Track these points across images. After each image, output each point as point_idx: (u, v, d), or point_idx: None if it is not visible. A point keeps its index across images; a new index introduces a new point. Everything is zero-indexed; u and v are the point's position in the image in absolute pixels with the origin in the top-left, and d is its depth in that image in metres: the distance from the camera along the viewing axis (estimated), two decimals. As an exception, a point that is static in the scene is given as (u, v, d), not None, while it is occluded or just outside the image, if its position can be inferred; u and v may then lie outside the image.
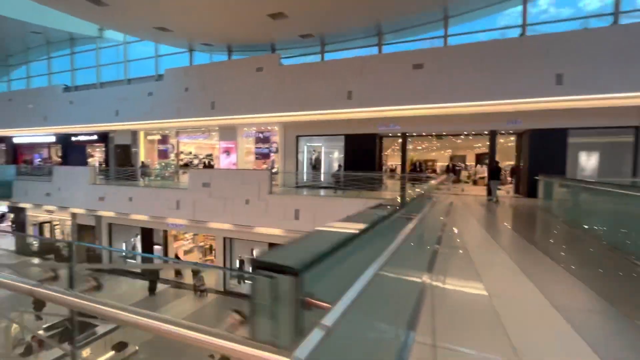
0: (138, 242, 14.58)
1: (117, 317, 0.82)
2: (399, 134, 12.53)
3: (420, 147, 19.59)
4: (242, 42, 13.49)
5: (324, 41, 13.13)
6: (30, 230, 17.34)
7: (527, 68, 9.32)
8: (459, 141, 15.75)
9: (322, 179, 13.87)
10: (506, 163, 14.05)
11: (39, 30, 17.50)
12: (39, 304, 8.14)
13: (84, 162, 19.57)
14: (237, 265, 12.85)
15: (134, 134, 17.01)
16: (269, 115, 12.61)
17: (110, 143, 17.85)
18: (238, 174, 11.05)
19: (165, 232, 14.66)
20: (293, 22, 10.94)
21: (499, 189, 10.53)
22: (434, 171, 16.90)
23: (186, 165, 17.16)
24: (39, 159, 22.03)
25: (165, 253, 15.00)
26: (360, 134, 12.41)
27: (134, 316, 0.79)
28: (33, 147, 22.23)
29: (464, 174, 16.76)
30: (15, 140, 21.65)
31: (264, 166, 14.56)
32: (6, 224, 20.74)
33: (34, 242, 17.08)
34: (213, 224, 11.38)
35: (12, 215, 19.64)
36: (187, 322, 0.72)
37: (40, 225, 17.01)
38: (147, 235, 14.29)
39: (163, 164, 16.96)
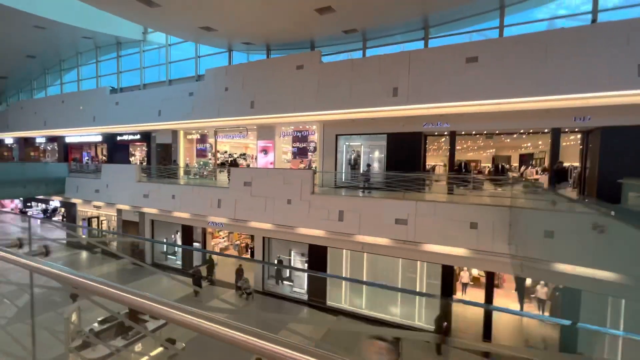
0: (179, 238, 14.92)
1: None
2: (445, 133, 11.82)
3: (459, 147, 18.58)
4: (281, 40, 13.37)
5: (366, 36, 12.69)
6: (80, 224, 18.36)
7: (601, 58, 8.34)
8: (508, 140, 14.69)
9: (362, 179, 13.47)
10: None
11: (89, 35, 18.47)
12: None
13: (126, 161, 20.48)
14: (275, 263, 12.72)
15: (175, 133, 17.49)
16: (309, 114, 12.37)
17: (152, 142, 18.49)
18: (280, 173, 10.88)
19: (203, 229, 14.90)
20: (339, 16, 10.61)
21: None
22: (480, 172, 15.90)
23: (222, 164, 17.38)
24: (87, 157, 23.39)
25: (204, 248, 15.21)
26: (403, 132, 11.84)
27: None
28: (81, 146, 23.64)
29: (513, 175, 15.64)
30: (67, 140, 23.09)
31: (302, 165, 14.37)
32: (58, 218, 22.21)
33: (84, 236, 18.06)
34: (253, 223, 11.31)
35: (63, 210, 20.97)
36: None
37: (89, 220, 17.95)
38: (188, 233, 14.59)
39: (201, 162, 17.28)
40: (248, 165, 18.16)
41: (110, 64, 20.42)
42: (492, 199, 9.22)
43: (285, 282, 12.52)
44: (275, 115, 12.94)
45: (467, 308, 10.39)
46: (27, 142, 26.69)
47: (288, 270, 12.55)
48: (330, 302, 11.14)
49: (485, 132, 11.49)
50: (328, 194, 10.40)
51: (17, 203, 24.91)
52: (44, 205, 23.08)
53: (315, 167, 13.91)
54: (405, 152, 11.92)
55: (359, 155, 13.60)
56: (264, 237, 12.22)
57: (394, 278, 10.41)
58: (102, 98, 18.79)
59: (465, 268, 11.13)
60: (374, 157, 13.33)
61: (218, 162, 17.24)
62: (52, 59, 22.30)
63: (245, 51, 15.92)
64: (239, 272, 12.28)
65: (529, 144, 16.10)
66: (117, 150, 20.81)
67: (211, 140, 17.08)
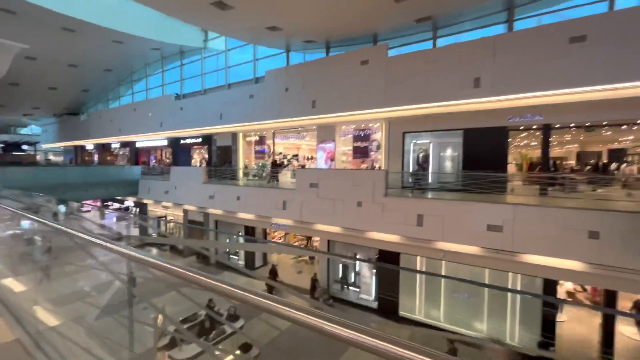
0: (241, 239, 15.19)
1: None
2: (534, 127, 10.38)
3: (535, 143, 16.51)
4: (344, 35, 12.88)
5: (437, 25, 11.68)
6: (150, 223, 19.71)
7: None
8: (607, 133, 12.60)
9: (429, 179, 12.47)
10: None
11: (157, 47, 19.77)
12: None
13: (188, 163, 21.61)
14: (340, 271, 12.25)
15: (234, 135, 17.94)
16: (374, 111, 11.71)
17: (213, 145, 19.21)
18: (349, 174, 10.38)
19: (264, 230, 14.98)
20: (415, 3, 9.82)
21: None
22: (573, 170, 13.88)
23: (279, 165, 17.42)
24: (153, 161, 25.21)
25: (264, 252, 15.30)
26: (484, 127, 10.64)
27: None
28: (149, 150, 25.55)
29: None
30: (137, 145, 25.11)
31: (363, 166, 13.75)
32: (130, 216, 24.21)
33: (153, 234, 19.36)
34: (320, 226, 10.96)
35: (135, 209, 22.77)
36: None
37: (158, 219, 19.18)
38: (250, 233, 14.77)
39: (260, 164, 17.49)
40: (303, 167, 18.03)
41: (174, 73, 21.71)
42: (602, 203, 7.75)
43: (351, 287, 11.99)
44: (338, 114, 12.48)
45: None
46: (104, 148, 29.64)
47: (354, 276, 12.01)
48: (402, 312, 10.37)
49: (587, 123, 9.85)
50: (402, 195, 9.64)
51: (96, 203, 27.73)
52: (118, 205, 25.35)
53: (379, 167, 13.21)
54: (485, 149, 10.70)
55: (427, 154, 12.60)
56: (328, 241, 11.81)
57: (479, 291, 9.31)
58: (168, 104, 19.99)
59: (560, 282, 9.63)
60: (446, 156, 12.24)
61: (276, 163, 17.31)
62: (125, 71, 24.39)
63: (302, 51, 15.73)
64: (314, 282, 11.83)
65: (622, 138, 13.72)
66: (180, 153, 22.07)
67: (269, 141, 17.21)
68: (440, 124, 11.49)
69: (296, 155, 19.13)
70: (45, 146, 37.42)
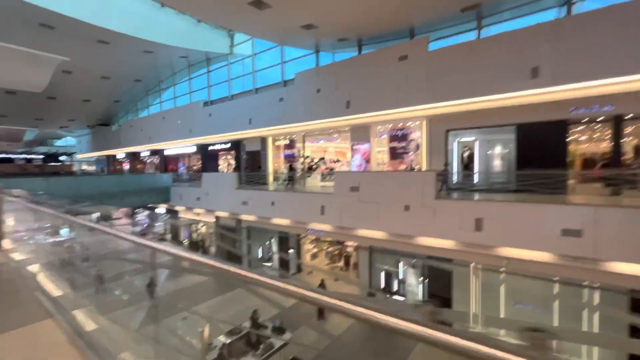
0: (274, 245, 14.86)
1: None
2: (602, 118, 9.37)
3: (585, 137, 15.19)
4: (379, 31, 12.34)
5: (482, 14, 10.92)
6: (182, 230, 19.83)
7: None
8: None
9: (476, 180, 11.64)
10: None
11: (185, 55, 20.00)
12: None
13: (216, 169, 21.65)
14: (383, 279, 11.60)
15: (263, 140, 17.74)
16: (415, 109, 11.05)
17: (242, 150, 19.11)
18: (394, 176, 9.79)
19: (298, 236, 14.57)
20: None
21: None
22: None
23: (310, 169, 17.02)
24: (182, 167, 25.55)
25: (299, 256, 14.91)
26: (540, 121, 9.74)
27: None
28: (177, 157, 25.94)
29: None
30: (166, 152, 25.56)
31: (401, 167, 13.08)
32: (161, 223, 24.59)
33: (184, 240, 19.44)
34: (362, 231, 10.38)
35: (167, 216, 23.04)
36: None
37: (190, 226, 19.24)
38: (284, 239, 14.41)
39: (290, 168, 17.15)
40: (331, 170, 17.54)
41: (201, 80, 21.92)
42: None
43: (395, 296, 11.30)
44: (375, 113, 11.92)
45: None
46: (134, 156, 30.46)
47: (397, 283, 11.32)
48: (455, 325, 9.56)
49: (666, 113, 8.75)
50: (460, 199, 8.90)
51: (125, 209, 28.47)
52: (148, 212, 25.85)
53: (419, 168, 12.49)
54: (542, 145, 9.79)
55: (472, 153, 11.78)
56: (370, 247, 11.20)
57: (547, 302, 8.40)
58: (197, 111, 20.13)
59: None
60: (494, 154, 11.37)
61: (303, 167, 16.94)
62: (153, 81, 24.94)
63: (331, 51, 15.31)
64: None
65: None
66: (208, 159, 22.19)
67: (299, 145, 16.86)
68: (489, 120, 10.66)
69: (322, 159, 18.70)
70: (79, 156, 39.10)
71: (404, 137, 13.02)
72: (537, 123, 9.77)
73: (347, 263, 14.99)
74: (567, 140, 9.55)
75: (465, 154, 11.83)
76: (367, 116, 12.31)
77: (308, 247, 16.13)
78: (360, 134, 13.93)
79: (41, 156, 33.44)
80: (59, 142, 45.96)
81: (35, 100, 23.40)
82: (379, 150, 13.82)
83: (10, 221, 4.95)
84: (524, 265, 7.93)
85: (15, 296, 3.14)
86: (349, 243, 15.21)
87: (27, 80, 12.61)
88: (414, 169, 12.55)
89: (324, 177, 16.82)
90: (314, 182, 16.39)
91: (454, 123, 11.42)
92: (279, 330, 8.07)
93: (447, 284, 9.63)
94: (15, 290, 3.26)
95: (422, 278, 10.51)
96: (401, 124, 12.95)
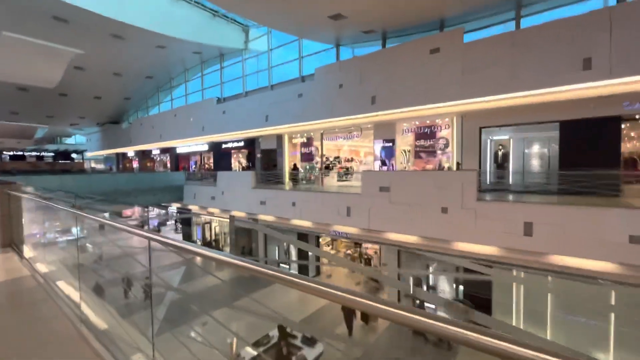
0: (292, 247, 14.30)
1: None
2: (657, 114, 8.64)
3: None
4: (408, 22, 11.68)
5: (521, 3, 10.21)
6: (195, 229, 19.37)
7: None
8: None
9: (510, 180, 10.95)
10: None
11: (199, 50, 19.52)
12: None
13: (229, 167, 21.16)
14: (411, 283, 10.97)
15: (279, 138, 17.19)
16: (447, 105, 10.39)
17: (257, 148, 18.58)
18: (429, 176, 9.14)
19: (317, 237, 14.00)
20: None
21: None
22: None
23: (328, 167, 16.46)
24: (194, 165, 25.14)
25: (317, 258, 14.35)
26: (588, 118, 9.02)
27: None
28: (188, 156, 25.53)
29: None
30: (177, 151, 25.15)
31: (429, 166, 12.42)
32: (171, 222, 24.22)
33: (198, 240, 18.97)
34: (392, 234, 9.75)
35: (177, 215, 22.62)
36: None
37: (203, 226, 18.77)
38: (302, 240, 13.83)
39: (307, 167, 16.61)
40: (347, 169, 16.96)
41: (213, 77, 21.43)
42: None
43: (425, 304, 10.65)
44: (403, 109, 11.28)
45: None
46: (144, 154, 30.15)
47: (426, 289, 10.68)
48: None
49: None
50: (505, 201, 8.24)
51: (137, 209, 28.16)
52: (158, 211, 25.47)
53: (448, 168, 11.83)
54: (591, 143, 9.07)
55: (507, 152, 11.08)
56: (399, 251, 10.57)
57: (602, 313, 7.71)
58: (210, 108, 19.65)
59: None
60: (531, 153, 10.67)
61: (321, 166, 16.37)
62: (164, 78, 24.54)
63: (351, 45, 14.70)
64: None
65: None
66: (221, 157, 21.72)
67: (317, 143, 16.29)
68: (529, 117, 9.97)
69: (337, 158, 18.11)
70: (88, 154, 38.98)
71: (432, 135, 12.36)
72: (584, 120, 9.06)
73: (367, 265, 14.38)
74: (619, 138, 8.81)
75: (500, 153, 11.14)
76: (394, 112, 11.68)
77: (326, 249, 15.56)
78: (384, 131, 13.30)
79: (52, 154, 33.27)
80: (68, 140, 45.98)
81: (46, 97, 23.16)
82: (404, 150, 13.17)
83: (28, 223, 4.44)
84: (583, 274, 7.25)
85: (50, 323, 2.61)
86: (367, 245, 14.61)
87: (40, 74, 12.22)
88: (443, 168, 11.89)
89: (340, 177, 16.26)
90: (331, 181, 15.82)
91: (489, 120, 10.74)
92: (310, 342, 7.49)
93: (486, 290, 8.97)
94: (51, 316, 2.72)
95: (455, 284, 9.85)
96: (429, 121, 12.29)
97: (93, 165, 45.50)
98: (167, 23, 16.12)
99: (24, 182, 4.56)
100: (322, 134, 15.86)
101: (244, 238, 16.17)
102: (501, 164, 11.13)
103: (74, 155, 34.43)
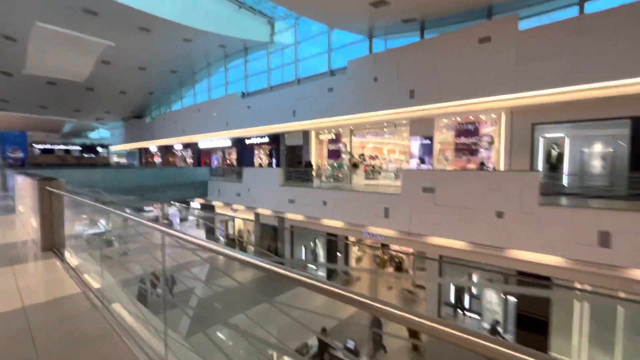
0: (319, 247, 13.78)
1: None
2: None
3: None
4: (452, 10, 10.82)
5: (586, -14, 9.18)
6: (218, 226, 19.16)
7: None
8: None
9: (564, 182, 9.99)
10: None
11: (223, 43, 19.17)
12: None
13: (252, 163, 20.82)
14: (453, 292, 10.22)
15: (306, 134, 16.64)
16: (497, 99, 9.52)
17: (282, 144, 18.11)
18: (482, 177, 8.36)
19: (346, 238, 13.41)
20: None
21: None
22: None
23: (355, 165, 15.78)
24: (215, 161, 24.99)
25: (346, 260, 13.79)
26: (666, 114, 8.00)
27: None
28: (210, 151, 25.40)
29: None
30: (200, 146, 25.06)
31: (470, 166, 11.58)
32: (193, 218, 24.20)
33: (221, 237, 18.76)
34: (435, 239, 9.04)
35: (202, 212, 22.54)
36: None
37: (227, 223, 18.53)
38: (332, 241, 13.30)
39: (334, 164, 16.00)
40: (373, 167, 16.22)
41: (237, 71, 21.07)
42: None
43: (467, 313, 9.91)
44: (446, 103, 10.47)
45: None
46: (167, 150, 30.31)
47: (469, 299, 9.92)
48: (554, 353, 8.08)
49: None
50: (568, 205, 7.40)
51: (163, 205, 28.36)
52: (183, 205, 25.51)
53: (493, 168, 10.97)
54: (667, 143, 8.05)
55: (562, 151, 10.10)
56: (440, 256, 9.84)
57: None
58: (234, 103, 19.30)
59: None
60: (592, 153, 9.66)
61: (349, 163, 15.71)
62: (187, 73, 24.39)
63: (385, 36, 13.90)
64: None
65: None
66: (244, 153, 21.41)
67: (345, 139, 15.64)
68: (592, 112, 8.99)
69: (362, 155, 17.39)
70: (112, 148, 39.74)
71: (474, 132, 11.49)
72: (663, 116, 8.03)
73: (398, 269, 13.69)
74: None
75: (553, 152, 10.18)
76: (434, 108, 10.87)
77: (353, 250, 14.95)
78: (421, 127, 12.51)
79: (79, 147, 34.03)
80: (92, 134, 47.08)
81: (74, 91, 23.47)
82: (443, 148, 12.34)
83: (69, 223, 4.03)
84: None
85: (97, 341, 2.15)
86: (395, 247, 13.90)
87: (72, 67, 12.11)
88: (487, 167, 11.02)
89: (368, 175, 15.54)
90: (359, 180, 15.16)
91: (543, 116, 9.79)
92: (354, 353, 6.94)
93: (544, 304, 8.14)
94: (98, 332, 2.25)
95: (504, 296, 9.04)
96: (472, 116, 11.42)
97: (116, 159, 46.52)
98: (193, 15, 15.80)
99: (54, 177, 4.16)
100: (351, 130, 15.19)
101: (269, 237, 15.77)
102: (554, 164, 10.16)
103: (100, 150, 35.07)
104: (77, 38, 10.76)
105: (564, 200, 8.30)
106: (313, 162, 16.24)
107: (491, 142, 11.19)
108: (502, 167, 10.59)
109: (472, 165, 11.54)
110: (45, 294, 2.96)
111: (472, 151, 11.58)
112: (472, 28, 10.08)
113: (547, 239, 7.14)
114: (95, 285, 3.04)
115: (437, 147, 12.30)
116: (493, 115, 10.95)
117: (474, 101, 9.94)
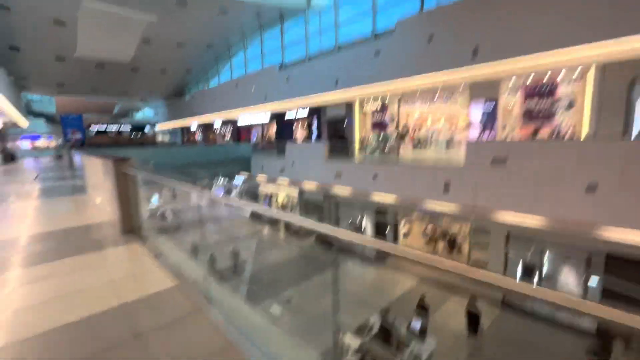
0: (369, 222, 13.43)
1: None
2: None
3: None
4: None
5: None
6: (261, 201, 19.49)
7: None
8: None
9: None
10: None
11: (258, 12, 18.34)
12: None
13: (291, 138, 20.52)
14: (520, 273, 9.43)
15: (349, 105, 15.79)
16: (592, 46, 7.96)
17: (322, 117, 17.49)
18: (568, 146, 7.29)
19: (396, 214, 12.87)
20: None
21: None
22: None
23: (402, 137, 14.80)
24: (254, 137, 25.10)
25: (395, 236, 13.36)
26: None
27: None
28: (249, 128, 25.47)
29: None
30: (239, 123, 25.20)
31: (543, 132, 10.21)
32: (236, 193, 24.93)
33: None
34: (505, 215, 8.19)
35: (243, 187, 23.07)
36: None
37: (270, 198, 18.77)
38: (381, 215, 12.86)
39: (380, 137, 15.16)
40: (419, 140, 15.07)
41: (272, 43, 20.25)
42: None
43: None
44: (520, 57, 9.04)
45: None
46: (206, 127, 31.01)
47: (539, 280, 9.10)
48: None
49: None
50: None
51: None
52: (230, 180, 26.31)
53: (572, 133, 9.55)
54: None
55: (667, 112, 8.44)
56: (508, 232, 9.00)
57: None
58: (272, 76, 18.78)
59: None
60: None
61: (397, 135, 14.75)
62: (223, 47, 24.03)
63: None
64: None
65: None
66: (283, 128, 21.14)
67: (392, 109, 14.60)
68: None
69: (406, 126, 16.21)
70: (158, 127, 41.68)
71: (550, 93, 9.98)
72: None
73: (451, 246, 12.99)
74: None
75: (654, 115, 8.53)
76: (502, 64, 9.49)
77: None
78: (483, 91, 11.16)
79: (129, 127, 36.03)
80: (137, 115, 49.61)
81: (120, 73, 24.33)
82: (510, 113, 10.96)
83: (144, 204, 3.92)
84: None
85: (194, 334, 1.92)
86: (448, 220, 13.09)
87: (117, 47, 12.23)
88: (564, 134, 9.63)
89: (415, 146, 14.53)
90: (405, 153, 14.24)
91: (647, 69, 8.12)
92: (420, 333, 6.65)
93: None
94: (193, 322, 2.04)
95: (585, 277, 8.10)
96: (548, 75, 9.87)
97: (160, 138, 48.97)
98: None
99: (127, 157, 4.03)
100: (399, 99, 14.09)
101: (314, 212, 15.69)
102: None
103: (146, 129, 36.92)
104: (121, 17, 10.70)
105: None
106: (357, 135, 15.52)
107: (570, 105, 9.68)
108: (584, 134, 9.17)
109: (545, 131, 10.17)
110: (138, 287, 2.76)
111: (546, 115, 10.14)
112: (556, -35, 8.36)
113: (655, 217, 6.07)
114: (191, 275, 2.85)
115: (502, 112, 10.96)
116: (575, 73, 9.35)
117: (555, 54, 8.46)
